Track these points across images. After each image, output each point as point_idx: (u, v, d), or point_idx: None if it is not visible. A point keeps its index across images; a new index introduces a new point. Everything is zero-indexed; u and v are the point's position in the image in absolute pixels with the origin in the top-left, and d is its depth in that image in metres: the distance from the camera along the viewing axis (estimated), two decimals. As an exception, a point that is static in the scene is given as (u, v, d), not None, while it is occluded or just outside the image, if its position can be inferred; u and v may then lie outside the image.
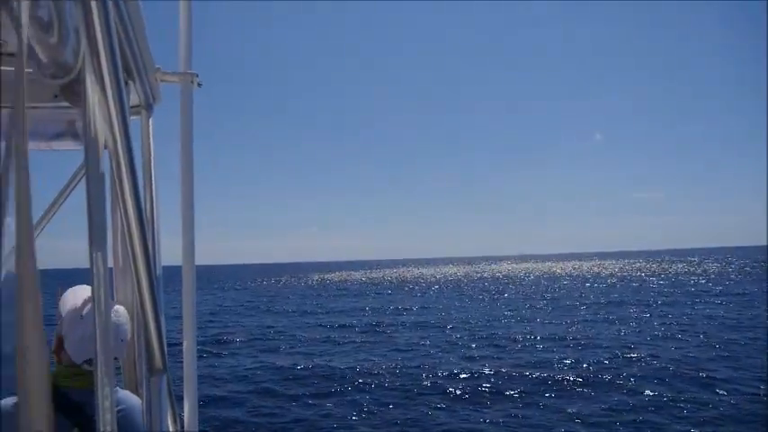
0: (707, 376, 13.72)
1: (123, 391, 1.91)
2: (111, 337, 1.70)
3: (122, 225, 1.10)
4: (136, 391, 1.81)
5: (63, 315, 1.90)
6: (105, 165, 1.07)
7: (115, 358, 1.93)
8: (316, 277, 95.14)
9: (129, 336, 1.70)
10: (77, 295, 1.88)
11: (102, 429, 0.91)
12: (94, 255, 0.93)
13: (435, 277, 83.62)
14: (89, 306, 1.77)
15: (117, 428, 1.85)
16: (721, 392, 12.27)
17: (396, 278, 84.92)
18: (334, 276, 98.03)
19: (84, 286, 1.83)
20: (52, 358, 1.89)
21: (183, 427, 1.70)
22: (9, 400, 1.76)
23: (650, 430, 9.85)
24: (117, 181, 1.03)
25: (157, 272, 1.32)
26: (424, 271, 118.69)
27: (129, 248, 1.05)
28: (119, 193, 1.04)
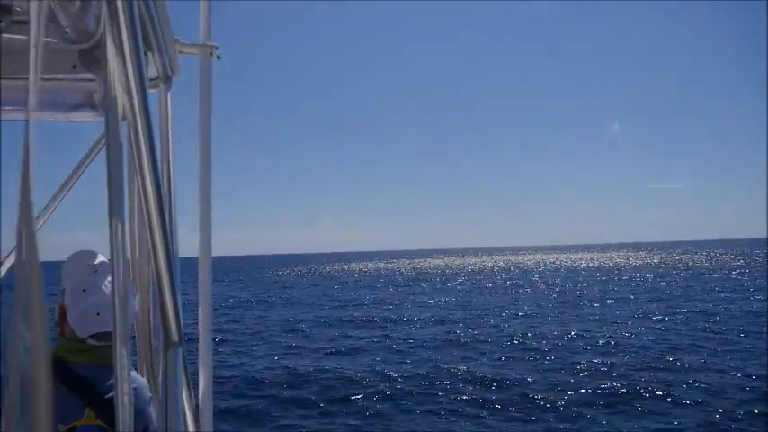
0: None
1: (134, 372, 1.88)
2: (131, 314, 1.68)
3: (139, 197, 1.07)
4: (150, 366, 1.80)
5: (65, 285, 1.85)
6: (124, 136, 1.04)
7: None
8: (338, 267, 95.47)
9: (136, 309, 1.66)
10: (79, 264, 1.82)
11: (120, 417, 0.89)
12: (114, 225, 0.91)
13: (454, 269, 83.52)
14: (91, 278, 1.76)
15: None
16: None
17: (412, 269, 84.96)
18: (354, 267, 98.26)
19: (86, 251, 1.78)
20: (55, 331, 1.86)
21: (198, 401, 1.69)
22: None
23: None
24: (135, 153, 1.01)
25: (174, 246, 1.30)
26: (440, 262, 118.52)
27: (146, 220, 1.03)
28: (137, 165, 1.02)
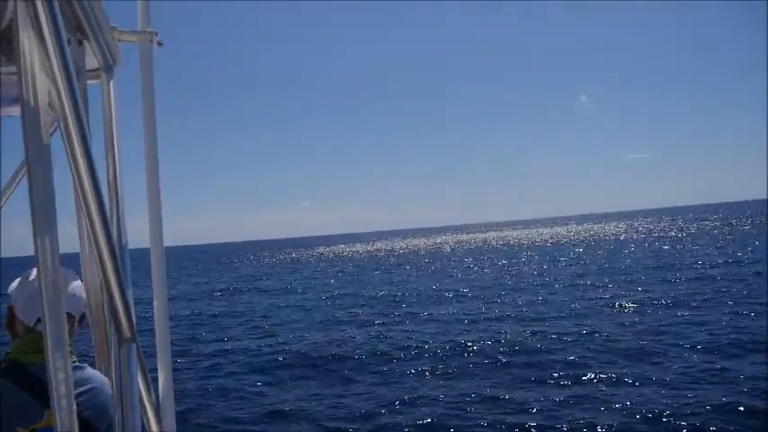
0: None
1: (91, 369, 1.86)
2: (63, 306, 1.66)
3: (77, 193, 1.05)
4: (108, 365, 1.77)
5: (11, 291, 1.86)
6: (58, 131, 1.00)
7: (78, 322, 1.88)
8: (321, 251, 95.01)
9: (84, 296, 1.64)
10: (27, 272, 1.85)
11: (55, 403, 0.86)
12: (38, 222, 0.88)
13: (429, 248, 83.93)
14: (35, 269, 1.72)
15: (89, 406, 1.83)
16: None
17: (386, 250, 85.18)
18: (336, 250, 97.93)
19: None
20: (5, 334, 1.83)
21: (158, 397, 1.67)
22: None
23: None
24: (67, 146, 0.98)
25: (122, 240, 1.26)
26: (405, 243, 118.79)
27: (85, 216, 1.00)
28: (69, 158, 0.98)
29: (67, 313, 1.75)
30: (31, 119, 0.89)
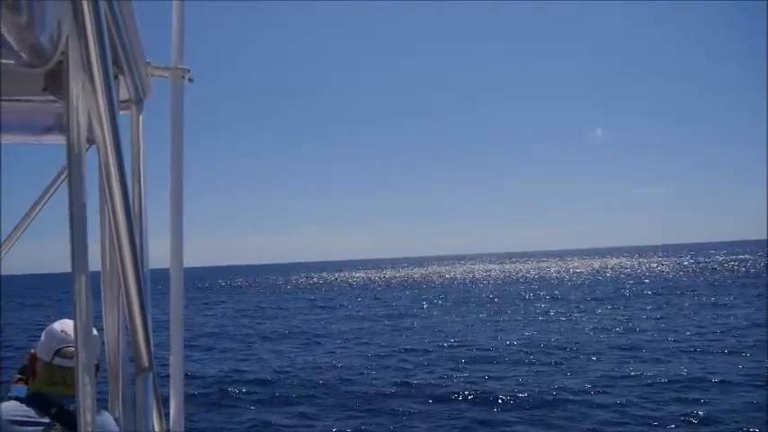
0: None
1: (107, 413, 1.92)
2: (94, 340, 1.73)
3: (110, 222, 1.07)
4: (120, 393, 1.81)
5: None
6: (93, 160, 1.04)
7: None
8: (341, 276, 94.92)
9: (98, 342, 1.79)
10: None
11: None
12: (76, 255, 0.90)
13: (428, 277, 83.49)
14: (58, 321, 2.00)
15: None
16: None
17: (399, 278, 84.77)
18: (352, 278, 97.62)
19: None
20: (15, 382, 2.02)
21: (168, 426, 1.68)
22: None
23: None
24: (105, 177, 1.01)
25: (144, 270, 1.29)
26: (420, 270, 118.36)
27: (116, 246, 1.03)
28: (106, 189, 1.01)
29: None
30: (75, 150, 0.93)
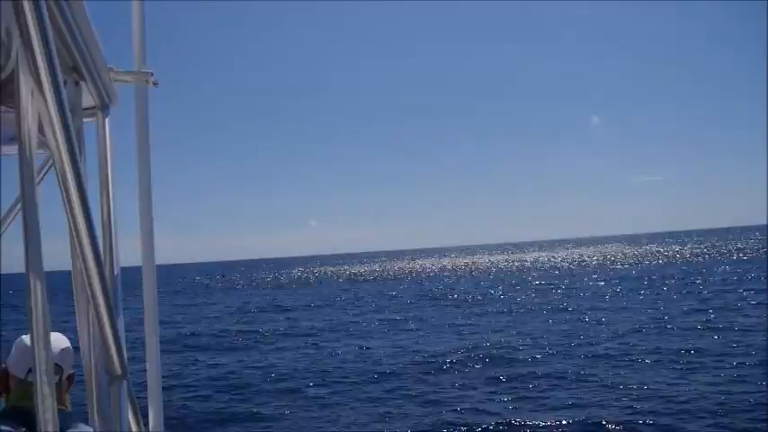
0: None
1: (83, 425, 1.97)
2: (67, 351, 1.74)
3: (71, 230, 1.08)
4: (96, 401, 1.82)
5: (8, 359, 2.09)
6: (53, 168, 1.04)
7: (61, 369, 2.03)
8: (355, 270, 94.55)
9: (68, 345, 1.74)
10: None
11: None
12: (30, 268, 0.91)
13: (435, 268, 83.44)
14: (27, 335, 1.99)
15: None
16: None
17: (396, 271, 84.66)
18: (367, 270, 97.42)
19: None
20: None
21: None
22: None
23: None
24: (61, 183, 1.01)
25: (114, 276, 1.29)
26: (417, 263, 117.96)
27: (79, 254, 1.03)
28: (64, 196, 1.02)
29: (58, 365, 1.97)
30: (25, 161, 0.94)
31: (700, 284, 31.38)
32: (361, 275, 72.54)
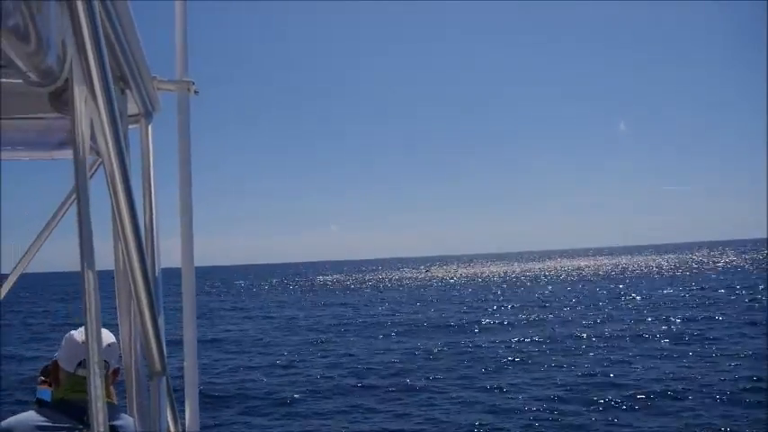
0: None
1: (125, 415, 2.04)
2: (113, 346, 1.80)
3: (119, 230, 1.12)
4: (136, 396, 1.88)
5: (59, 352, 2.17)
6: (101, 174, 1.09)
7: (108, 364, 2.13)
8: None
9: (119, 350, 1.87)
10: None
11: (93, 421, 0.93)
12: (85, 265, 0.95)
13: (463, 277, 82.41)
14: (77, 331, 2.11)
15: None
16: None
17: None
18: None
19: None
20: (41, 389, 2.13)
21: (184, 428, 1.73)
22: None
23: None
24: (111, 187, 1.06)
25: (156, 276, 1.34)
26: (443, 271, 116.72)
27: (124, 254, 1.07)
28: (113, 199, 1.06)
29: (105, 360, 2.05)
30: (80, 166, 0.99)
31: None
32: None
